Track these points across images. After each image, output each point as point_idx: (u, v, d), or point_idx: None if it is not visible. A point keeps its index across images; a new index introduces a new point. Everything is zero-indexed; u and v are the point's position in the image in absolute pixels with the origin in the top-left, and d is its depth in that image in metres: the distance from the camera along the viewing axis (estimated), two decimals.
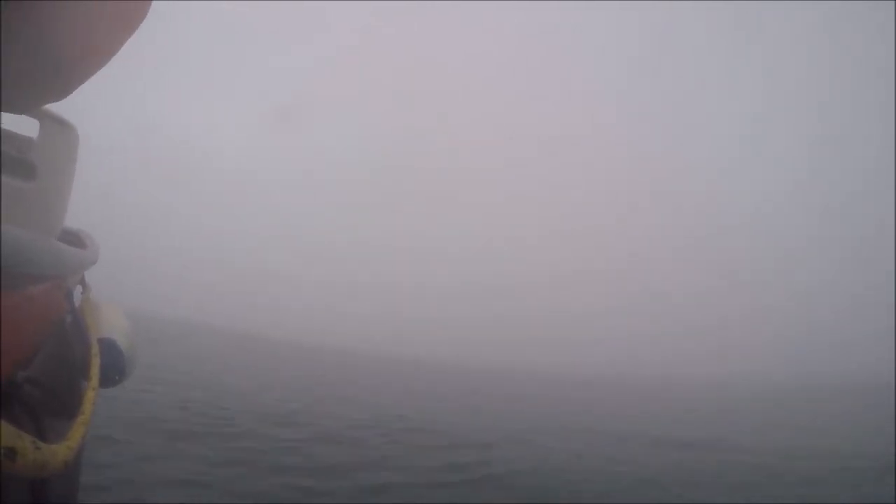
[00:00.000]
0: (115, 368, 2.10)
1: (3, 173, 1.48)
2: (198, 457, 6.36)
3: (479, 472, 7.24)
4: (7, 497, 1.13)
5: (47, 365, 1.64)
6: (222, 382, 14.37)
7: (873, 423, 16.93)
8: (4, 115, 1.56)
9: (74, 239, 2.24)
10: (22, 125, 1.77)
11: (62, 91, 1.47)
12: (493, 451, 8.71)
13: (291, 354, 45.11)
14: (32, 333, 1.45)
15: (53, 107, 1.74)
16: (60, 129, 1.88)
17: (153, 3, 1.56)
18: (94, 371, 1.65)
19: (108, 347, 2.05)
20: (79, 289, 2.34)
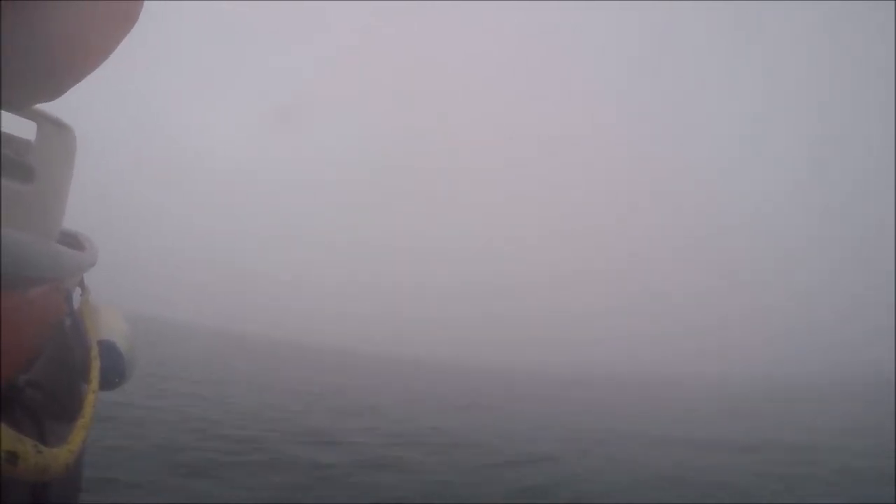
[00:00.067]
0: (115, 371, 2.09)
1: (1, 176, 1.47)
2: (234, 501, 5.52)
3: (567, 494, 6.73)
4: (8, 500, 1.13)
5: (47, 368, 1.64)
6: (232, 393, 13.45)
7: (873, 422, 16.94)
8: (2, 117, 1.56)
9: (73, 241, 2.23)
10: (19, 127, 1.77)
11: (56, 91, 1.46)
12: (561, 465, 8.24)
13: (294, 356, 45.13)
14: (32, 336, 1.45)
15: (50, 108, 1.74)
16: (58, 132, 1.88)
17: (148, 3, 1.55)
18: (95, 374, 1.64)
19: (108, 350, 2.04)
20: (78, 291, 2.33)
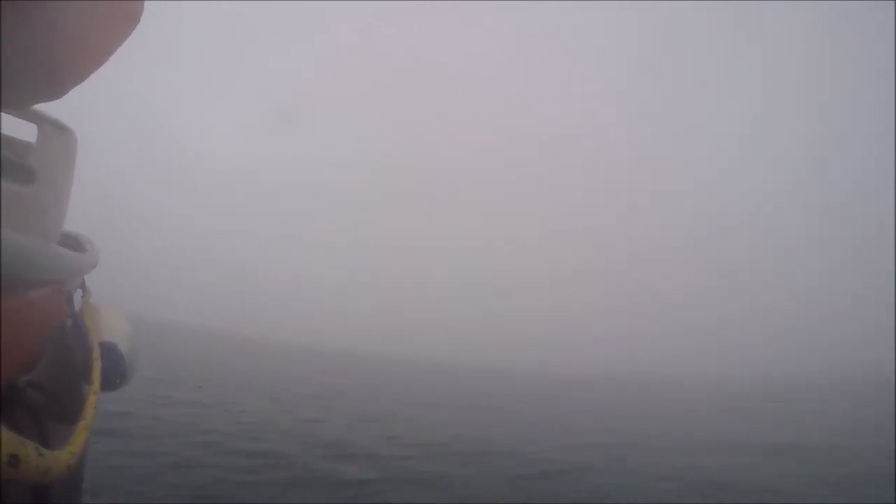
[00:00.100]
0: (116, 372, 2.09)
1: (2, 178, 1.47)
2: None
3: None
4: (9, 502, 1.13)
5: (49, 369, 1.64)
6: (241, 400, 12.94)
7: (873, 421, 16.96)
8: (2, 119, 1.56)
9: (74, 243, 2.23)
10: (20, 130, 1.77)
11: (56, 92, 1.46)
12: (603, 476, 8.02)
13: (296, 357, 45.11)
14: (34, 338, 1.45)
15: (50, 109, 1.74)
16: (59, 133, 1.88)
17: (149, 3, 1.55)
18: (96, 375, 1.64)
19: (110, 351, 2.04)
20: (79, 293, 2.33)
